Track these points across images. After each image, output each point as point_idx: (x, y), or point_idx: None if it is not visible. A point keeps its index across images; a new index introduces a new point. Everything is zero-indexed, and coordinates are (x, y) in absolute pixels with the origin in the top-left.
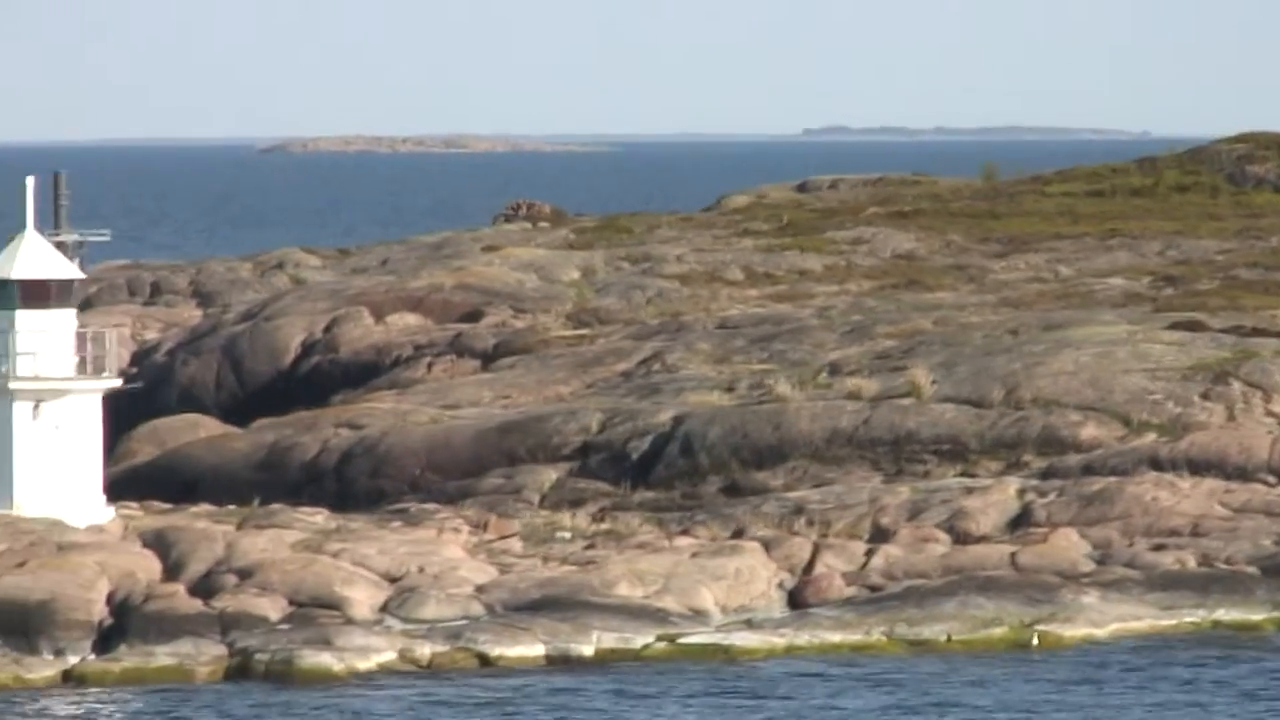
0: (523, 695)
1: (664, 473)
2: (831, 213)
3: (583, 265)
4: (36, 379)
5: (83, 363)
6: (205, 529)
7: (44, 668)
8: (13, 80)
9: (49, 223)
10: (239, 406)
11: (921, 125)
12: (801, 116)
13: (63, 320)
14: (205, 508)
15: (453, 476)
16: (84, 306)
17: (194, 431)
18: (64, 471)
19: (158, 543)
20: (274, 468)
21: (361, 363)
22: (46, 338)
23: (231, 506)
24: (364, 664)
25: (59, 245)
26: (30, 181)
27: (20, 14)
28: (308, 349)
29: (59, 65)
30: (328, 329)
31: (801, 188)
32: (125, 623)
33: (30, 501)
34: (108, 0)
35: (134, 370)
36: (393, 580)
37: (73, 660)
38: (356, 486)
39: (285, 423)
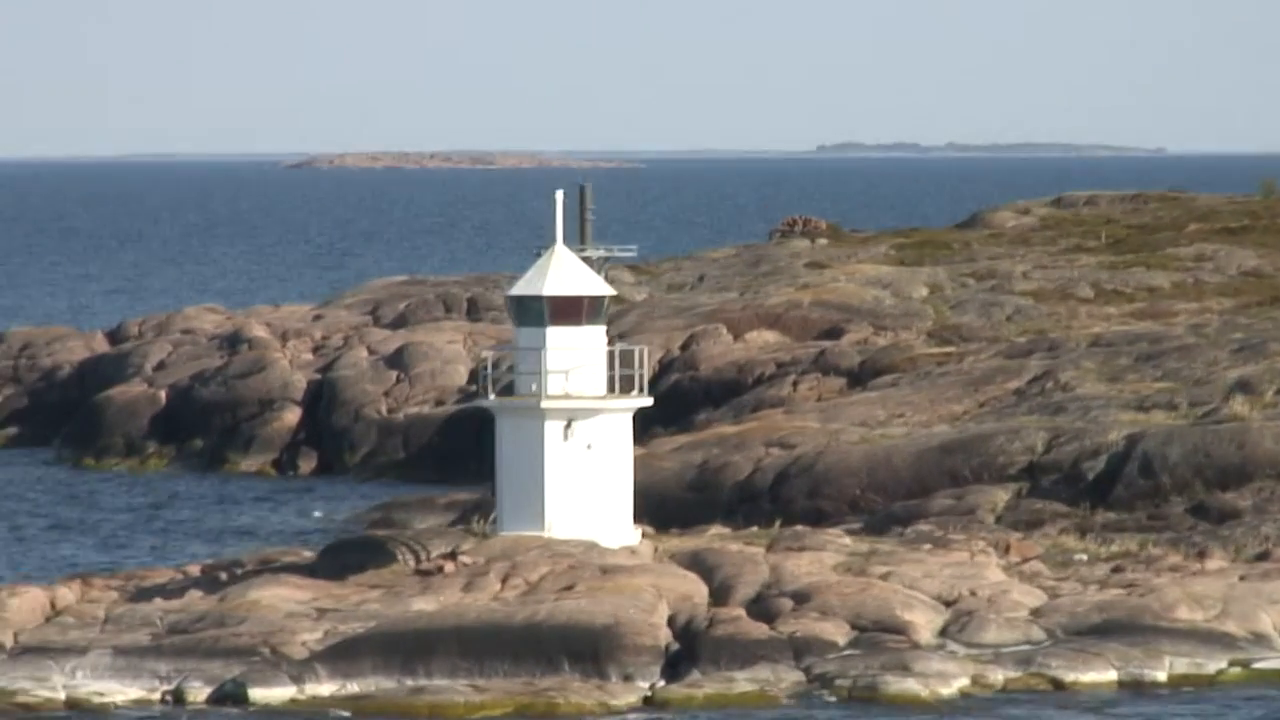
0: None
1: (1124, 493)
2: (1151, 229)
3: (929, 282)
4: (568, 398)
5: (612, 380)
6: (744, 551)
7: (627, 693)
8: (29, 96)
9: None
10: None
11: (934, 141)
12: (816, 133)
13: (594, 338)
14: (719, 529)
15: (895, 496)
16: (399, 324)
17: None
18: (595, 492)
19: (695, 565)
20: (705, 487)
21: (723, 380)
22: (578, 355)
23: (754, 528)
24: (945, 689)
25: (585, 260)
26: (559, 196)
27: (37, 30)
28: (665, 366)
29: (75, 80)
30: (685, 346)
31: (1057, 203)
32: (693, 647)
33: (562, 523)
34: (126, 14)
35: (474, 388)
36: (947, 604)
37: (642, 685)
38: (794, 507)
39: (708, 441)
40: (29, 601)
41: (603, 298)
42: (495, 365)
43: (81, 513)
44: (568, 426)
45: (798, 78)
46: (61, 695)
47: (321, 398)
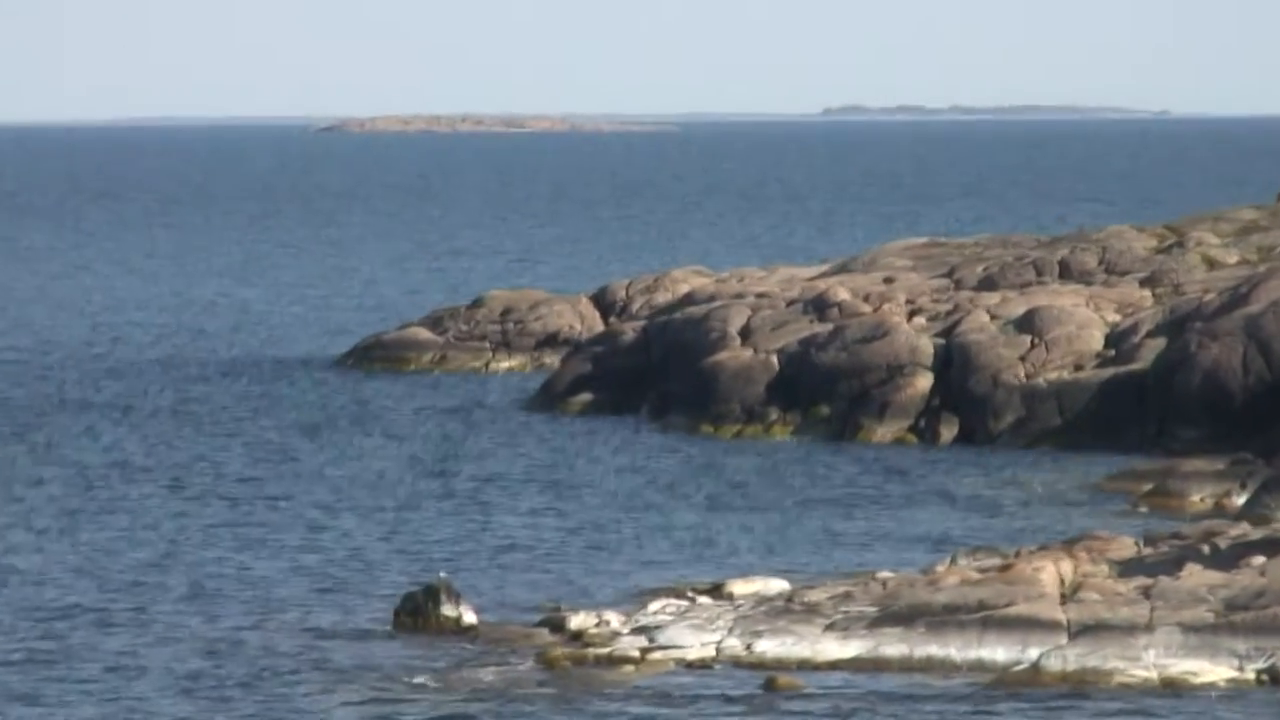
0: None
1: None
2: None
3: None
4: None
5: None
6: None
7: None
8: (62, 58)
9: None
10: (1269, 391)
11: (939, 104)
12: (821, 96)
13: None
14: None
15: None
16: (988, 285)
17: None
18: None
19: None
20: None
21: None
22: None
23: None
24: None
25: None
26: None
27: None
28: None
29: (108, 44)
30: None
31: None
32: None
33: None
34: None
35: (1112, 353)
36: None
37: None
38: None
39: None
40: (1048, 576)
41: None
42: None
43: (827, 489)
44: None
45: (803, 41)
46: (1155, 675)
47: (951, 363)
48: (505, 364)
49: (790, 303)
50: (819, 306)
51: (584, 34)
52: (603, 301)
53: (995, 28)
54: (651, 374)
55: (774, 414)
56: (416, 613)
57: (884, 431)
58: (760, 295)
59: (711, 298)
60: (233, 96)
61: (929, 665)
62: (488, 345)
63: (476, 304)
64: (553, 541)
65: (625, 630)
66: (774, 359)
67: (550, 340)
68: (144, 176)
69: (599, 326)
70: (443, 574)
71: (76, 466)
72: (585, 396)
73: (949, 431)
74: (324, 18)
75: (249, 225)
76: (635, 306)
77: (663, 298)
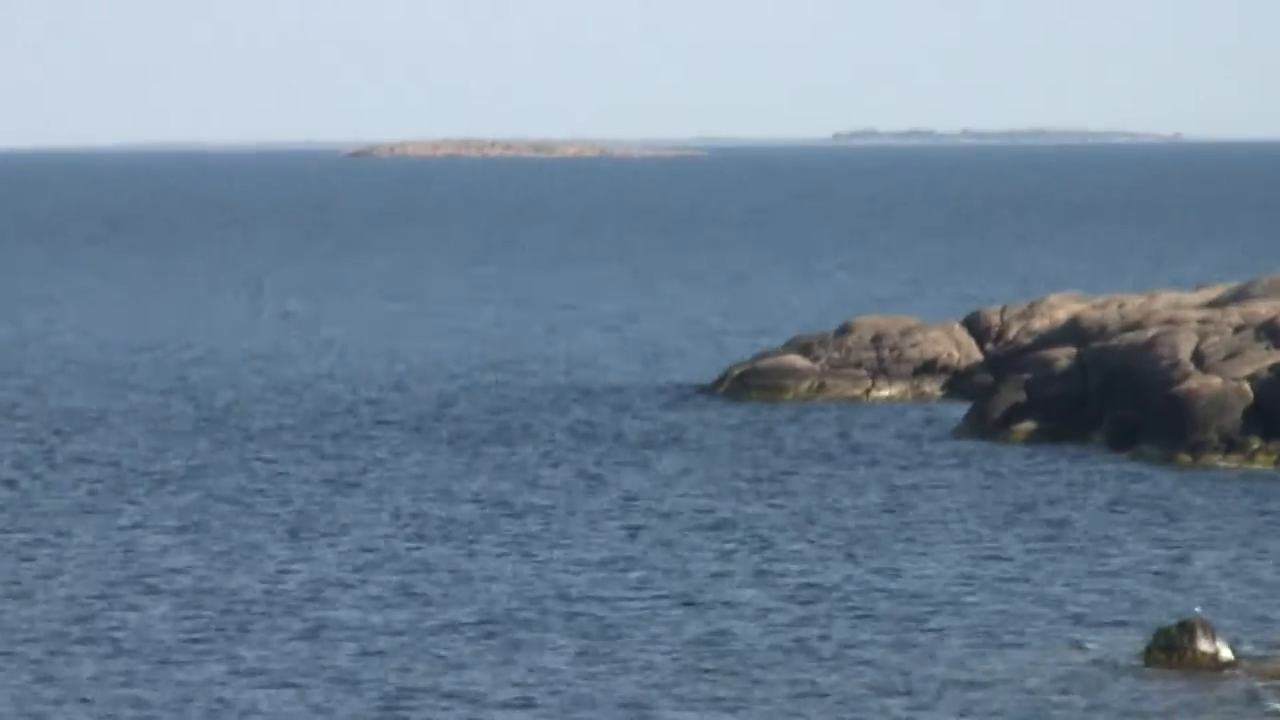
0: None
1: None
2: None
3: None
4: None
5: None
6: None
7: None
8: (87, 84)
9: None
10: None
11: (950, 129)
12: (832, 121)
13: None
14: None
15: None
16: None
17: None
18: None
19: None
20: None
21: None
22: None
23: None
24: None
25: None
26: None
27: (95, 19)
28: None
29: (137, 70)
30: None
31: None
32: None
33: None
34: (181, 4)
35: None
36: None
37: None
38: None
39: None
40: None
41: None
42: None
43: None
44: None
45: (813, 66)
46: None
47: None
48: (885, 392)
49: (1238, 329)
50: (1271, 333)
51: (595, 61)
52: (976, 328)
53: (1005, 52)
54: (1093, 401)
55: (1255, 443)
56: (1171, 648)
57: None
58: (1203, 322)
59: (1136, 324)
60: (251, 122)
61: None
62: (864, 373)
63: (845, 330)
64: (1180, 576)
65: None
66: (1246, 387)
67: (928, 368)
68: (291, 205)
69: (975, 354)
70: (1198, 609)
71: (528, 491)
72: (1027, 425)
73: None
74: (344, 43)
75: (512, 250)
76: (1012, 333)
77: (1040, 324)
